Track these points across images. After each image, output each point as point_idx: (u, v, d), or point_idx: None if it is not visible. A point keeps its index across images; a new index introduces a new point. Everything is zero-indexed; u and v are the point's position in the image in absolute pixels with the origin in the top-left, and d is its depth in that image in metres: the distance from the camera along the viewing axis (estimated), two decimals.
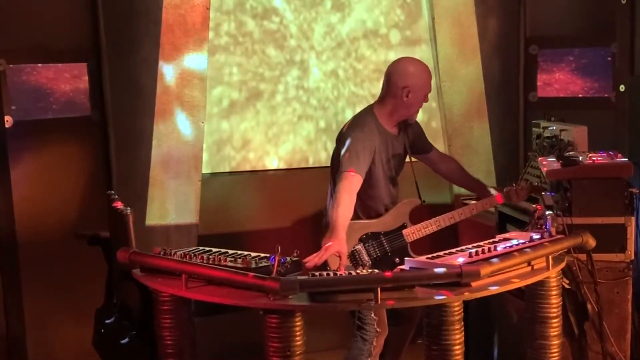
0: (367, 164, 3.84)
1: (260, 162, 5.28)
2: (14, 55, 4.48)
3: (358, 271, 3.20)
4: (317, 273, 3.09)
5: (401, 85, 3.94)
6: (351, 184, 3.72)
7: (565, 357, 3.81)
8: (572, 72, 5.39)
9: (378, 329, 3.85)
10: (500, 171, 5.39)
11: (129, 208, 3.81)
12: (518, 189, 4.12)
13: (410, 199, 4.08)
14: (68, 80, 4.76)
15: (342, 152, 3.84)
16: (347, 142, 3.85)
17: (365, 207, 3.96)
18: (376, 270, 3.18)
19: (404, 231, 3.99)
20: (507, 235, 3.70)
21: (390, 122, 4.01)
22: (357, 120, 4.00)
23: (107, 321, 3.96)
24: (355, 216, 3.84)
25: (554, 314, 3.55)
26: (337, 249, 3.49)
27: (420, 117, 4.21)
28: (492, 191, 4.18)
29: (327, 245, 3.48)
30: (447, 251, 3.42)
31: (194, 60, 4.86)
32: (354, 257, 3.85)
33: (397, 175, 4.10)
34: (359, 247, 3.89)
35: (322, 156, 5.34)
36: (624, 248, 3.88)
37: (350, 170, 3.73)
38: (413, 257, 3.78)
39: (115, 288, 4.13)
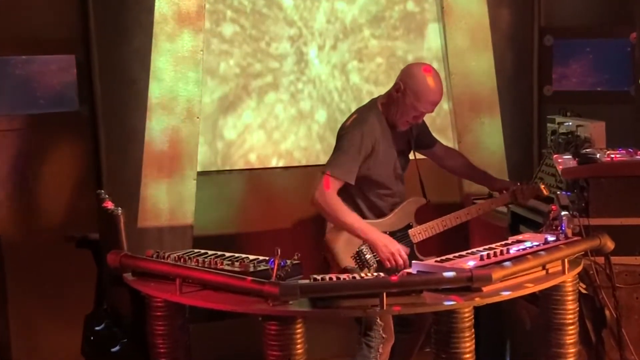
0: (355, 165, 3.87)
1: (259, 159, 5.28)
2: None
3: (362, 274, 3.19)
4: (319, 277, 3.09)
5: (399, 79, 3.96)
6: (330, 189, 3.81)
7: None
8: (589, 64, 5.39)
9: (384, 335, 3.86)
10: (513, 170, 5.38)
11: (119, 208, 3.81)
12: (524, 188, 4.13)
13: (416, 198, 4.09)
14: (55, 73, 4.76)
15: (335, 148, 3.92)
16: (343, 140, 3.90)
17: (372, 205, 3.99)
18: (382, 274, 3.18)
19: (410, 231, 4.01)
20: (520, 237, 3.70)
21: None
22: (359, 116, 4.01)
23: (96, 328, 3.96)
24: (362, 215, 3.91)
25: (570, 321, 3.55)
26: (396, 247, 3.81)
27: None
28: (501, 184, 4.25)
29: (390, 249, 3.78)
30: (457, 254, 3.42)
31: (189, 51, 4.86)
32: (359, 258, 3.87)
33: (403, 172, 4.11)
34: (364, 247, 3.89)
35: (323, 154, 5.32)
36: None
37: (328, 172, 3.83)
38: (420, 258, 3.83)
39: (105, 293, 4.13)
